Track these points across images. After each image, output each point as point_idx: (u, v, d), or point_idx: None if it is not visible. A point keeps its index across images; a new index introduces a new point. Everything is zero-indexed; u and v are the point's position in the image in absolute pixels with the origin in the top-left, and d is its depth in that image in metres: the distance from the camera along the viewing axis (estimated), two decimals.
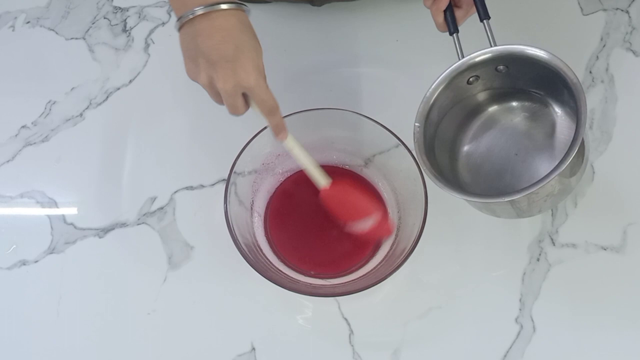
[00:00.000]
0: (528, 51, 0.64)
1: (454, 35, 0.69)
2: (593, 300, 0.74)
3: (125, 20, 0.92)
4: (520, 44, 0.65)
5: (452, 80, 0.68)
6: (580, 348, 0.72)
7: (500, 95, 0.72)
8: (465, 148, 0.74)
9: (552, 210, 0.78)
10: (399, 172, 0.75)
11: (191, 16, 0.60)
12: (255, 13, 0.91)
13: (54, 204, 0.81)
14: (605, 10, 0.91)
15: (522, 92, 0.71)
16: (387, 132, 0.73)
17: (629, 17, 0.91)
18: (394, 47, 0.89)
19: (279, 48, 0.90)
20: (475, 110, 0.74)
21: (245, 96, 0.64)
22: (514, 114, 0.73)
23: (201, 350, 0.73)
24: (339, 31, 0.91)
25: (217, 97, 0.64)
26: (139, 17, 0.92)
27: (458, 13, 0.69)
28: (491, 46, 0.67)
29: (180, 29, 0.62)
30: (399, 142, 0.73)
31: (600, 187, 0.79)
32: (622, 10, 0.91)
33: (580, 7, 0.92)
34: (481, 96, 0.73)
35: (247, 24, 0.63)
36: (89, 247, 0.78)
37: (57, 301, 0.75)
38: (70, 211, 0.81)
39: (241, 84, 0.61)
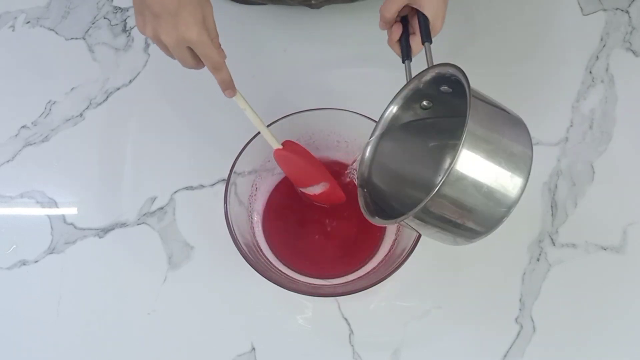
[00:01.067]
0: (435, 70, 0.60)
1: (406, 62, 0.67)
2: (593, 300, 0.74)
3: (125, 20, 0.92)
4: (444, 63, 0.60)
5: (399, 110, 0.65)
6: (580, 348, 0.72)
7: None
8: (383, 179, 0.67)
9: (552, 210, 0.78)
10: None
11: None
12: (255, 14, 0.91)
13: (54, 204, 0.81)
14: (605, 10, 0.91)
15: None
16: None
17: (629, 17, 0.91)
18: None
19: (279, 48, 0.90)
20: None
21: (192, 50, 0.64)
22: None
23: (201, 350, 0.73)
24: (339, 31, 0.91)
25: (166, 49, 0.64)
26: None
27: (414, 40, 0.68)
28: (427, 68, 0.62)
29: None
30: None
31: (600, 187, 0.79)
32: (622, 10, 0.91)
33: (580, 7, 0.92)
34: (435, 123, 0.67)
35: None
36: (89, 247, 0.78)
37: (57, 301, 0.75)
38: (70, 211, 0.81)
39: (183, 37, 0.61)
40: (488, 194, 0.55)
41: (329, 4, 0.88)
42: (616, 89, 0.85)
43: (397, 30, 0.69)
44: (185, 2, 0.61)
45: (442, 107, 0.64)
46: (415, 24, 0.68)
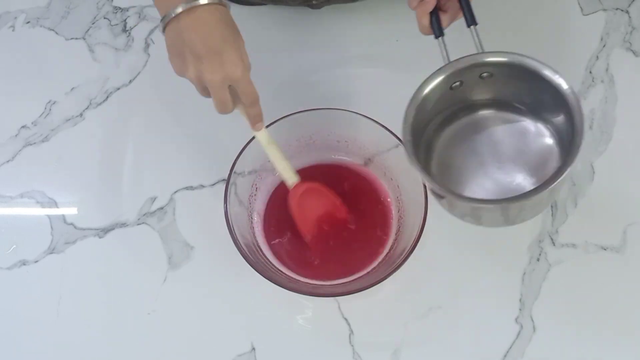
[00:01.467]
0: (517, 60, 0.63)
1: (440, 39, 0.67)
2: (593, 300, 0.74)
3: (125, 20, 0.92)
4: (510, 52, 0.63)
5: (436, 85, 0.66)
6: (580, 348, 0.72)
7: (481, 103, 0.70)
8: (439, 152, 0.69)
9: (552, 210, 0.78)
10: (399, 172, 0.75)
11: (173, 15, 0.61)
12: (255, 14, 0.91)
13: (54, 204, 0.81)
14: (605, 10, 0.91)
15: (504, 101, 0.69)
16: (387, 132, 0.73)
17: (629, 17, 0.91)
18: (394, 47, 0.89)
19: (279, 48, 0.90)
20: (454, 115, 0.70)
21: (231, 90, 0.64)
22: (491, 122, 0.69)
23: (201, 350, 0.73)
24: (339, 31, 0.91)
25: (205, 91, 0.65)
26: (139, 17, 0.92)
27: (443, 17, 0.68)
28: (478, 52, 0.65)
29: (164, 29, 0.63)
30: (399, 142, 0.73)
31: (600, 187, 0.79)
32: (622, 10, 0.91)
33: (580, 7, 0.92)
34: (462, 102, 0.70)
35: (230, 18, 0.64)
36: (89, 247, 0.78)
37: (57, 301, 0.75)
38: (70, 211, 0.81)
39: (229, 76, 0.62)
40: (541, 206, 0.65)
41: (330, 4, 0.88)
42: (616, 89, 0.85)
43: (432, 2, 0.66)
44: (229, 40, 0.62)
45: (471, 89, 0.67)
46: (447, 3, 0.67)
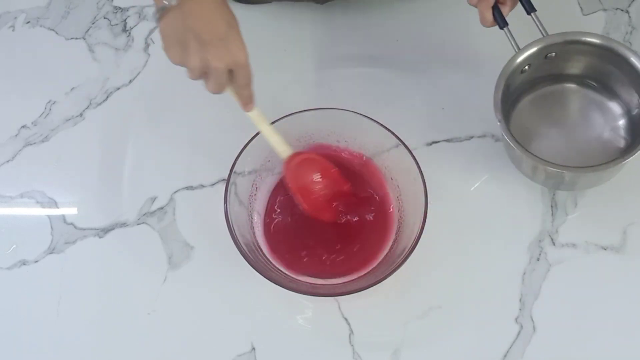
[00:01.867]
0: (588, 39, 0.74)
1: (505, 28, 0.73)
2: (593, 300, 0.74)
3: (125, 20, 0.92)
4: (575, 31, 0.74)
5: (532, 54, 0.74)
6: (580, 348, 0.72)
7: (546, 79, 0.80)
8: (519, 113, 0.79)
9: (552, 210, 0.78)
10: (399, 172, 0.75)
11: (174, 3, 0.61)
12: (255, 14, 0.91)
13: (54, 204, 0.81)
14: (605, 10, 0.91)
15: (586, 77, 0.79)
16: (387, 131, 0.73)
17: (629, 17, 0.91)
18: (394, 47, 0.89)
19: (279, 48, 0.90)
20: (525, 91, 0.80)
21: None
22: (571, 94, 0.80)
23: (201, 350, 0.73)
24: (339, 31, 0.91)
25: (200, 75, 0.63)
26: (139, 17, 0.92)
27: (504, 8, 0.73)
28: (543, 35, 0.73)
29: (161, 17, 0.62)
30: (399, 142, 0.73)
31: (600, 187, 0.78)
32: (622, 10, 0.91)
33: (580, 7, 0.92)
34: (530, 80, 0.79)
35: (227, 3, 0.64)
36: (89, 247, 0.78)
37: (57, 301, 0.75)
38: (70, 211, 0.81)
39: (234, 60, 0.62)
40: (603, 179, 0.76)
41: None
42: None
43: None
44: (233, 24, 0.62)
45: (537, 70, 0.77)
46: None
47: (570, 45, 0.74)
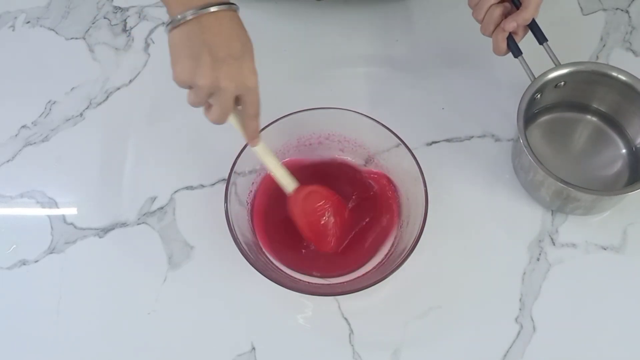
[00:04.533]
0: (604, 70, 0.76)
1: (520, 57, 0.75)
2: (593, 300, 0.74)
3: (125, 20, 0.92)
4: (590, 62, 0.79)
5: (547, 81, 0.76)
6: (580, 348, 0.72)
7: (553, 107, 0.82)
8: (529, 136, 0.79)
9: (552, 210, 0.78)
10: (400, 172, 0.75)
11: (190, 17, 0.58)
12: (256, 12, 0.91)
13: (54, 204, 0.81)
14: (605, 10, 0.91)
15: (589, 106, 0.82)
16: (388, 131, 0.73)
17: (629, 17, 0.91)
18: (394, 47, 0.90)
19: (279, 48, 0.90)
20: (533, 117, 0.82)
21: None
22: (576, 122, 0.82)
23: (201, 350, 0.73)
24: (339, 31, 0.91)
25: (203, 97, 0.61)
26: (139, 17, 0.93)
27: (516, 37, 0.74)
28: (555, 65, 0.75)
29: (174, 27, 0.59)
30: (399, 142, 0.73)
31: None
32: (622, 10, 0.91)
33: (580, 7, 0.92)
34: (540, 108, 0.82)
35: (243, 24, 0.63)
36: (89, 247, 0.78)
37: (57, 301, 0.75)
38: (70, 211, 0.81)
39: (244, 83, 0.61)
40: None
41: None
42: None
43: (509, 28, 0.72)
44: (248, 46, 0.61)
45: (548, 97, 0.80)
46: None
47: (603, 77, 0.76)
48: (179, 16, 0.59)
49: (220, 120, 0.63)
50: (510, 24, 0.72)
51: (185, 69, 0.59)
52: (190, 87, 0.61)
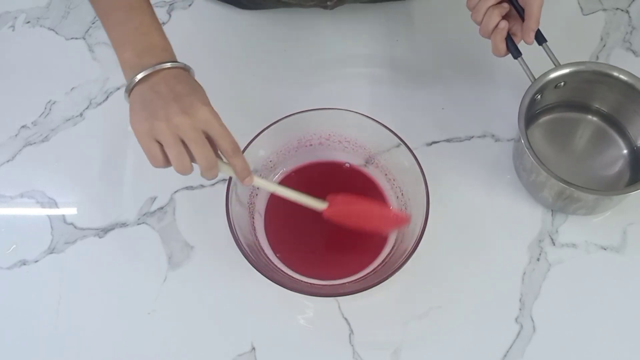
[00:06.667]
0: (606, 71, 0.76)
1: (520, 58, 0.74)
2: (593, 300, 0.74)
3: None
4: (591, 62, 0.78)
5: (547, 82, 0.76)
6: (580, 348, 0.72)
7: (553, 107, 0.82)
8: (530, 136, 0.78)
9: (552, 210, 0.78)
10: (400, 172, 0.75)
11: (141, 76, 0.62)
12: (255, 13, 0.91)
13: (54, 204, 0.81)
14: (605, 10, 0.91)
15: (589, 105, 0.82)
16: (388, 131, 0.73)
17: (629, 17, 0.91)
18: (395, 47, 0.90)
19: (279, 48, 0.90)
20: (534, 118, 0.82)
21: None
22: (576, 121, 0.82)
23: (201, 350, 0.73)
24: (339, 31, 0.91)
25: (172, 139, 0.61)
26: None
27: (515, 38, 0.74)
28: (555, 65, 0.75)
29: (130, 91, 0.63)
30: (400, 142, 0.73)
31: None
32: (622, 10, 0.91)
33: (580, 7, 0.92)
34: (540, 108, 0.82)
35: (194, 80, 0.65)
36: (89, 247, 0.78)
37: (57, 301, 0.75)
38: (70, 211, 0.81)
39: (199, 117, 0.61)
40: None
41: (342, 4, 0.88)
42: None
43: (506, 28, 0.72)
44: (198, 88, 0.64)
45: (548, 98, 0.80)
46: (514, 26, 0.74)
47: (604, 77, 0.76)
48: (132, 80, 0.63)
49: (207, 163, 0.62)
50: (518, 34, 0.73)
51: (141, 118, 0.62)
52: (155, 143, 0.62)
